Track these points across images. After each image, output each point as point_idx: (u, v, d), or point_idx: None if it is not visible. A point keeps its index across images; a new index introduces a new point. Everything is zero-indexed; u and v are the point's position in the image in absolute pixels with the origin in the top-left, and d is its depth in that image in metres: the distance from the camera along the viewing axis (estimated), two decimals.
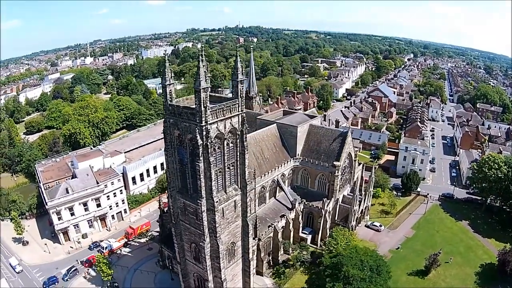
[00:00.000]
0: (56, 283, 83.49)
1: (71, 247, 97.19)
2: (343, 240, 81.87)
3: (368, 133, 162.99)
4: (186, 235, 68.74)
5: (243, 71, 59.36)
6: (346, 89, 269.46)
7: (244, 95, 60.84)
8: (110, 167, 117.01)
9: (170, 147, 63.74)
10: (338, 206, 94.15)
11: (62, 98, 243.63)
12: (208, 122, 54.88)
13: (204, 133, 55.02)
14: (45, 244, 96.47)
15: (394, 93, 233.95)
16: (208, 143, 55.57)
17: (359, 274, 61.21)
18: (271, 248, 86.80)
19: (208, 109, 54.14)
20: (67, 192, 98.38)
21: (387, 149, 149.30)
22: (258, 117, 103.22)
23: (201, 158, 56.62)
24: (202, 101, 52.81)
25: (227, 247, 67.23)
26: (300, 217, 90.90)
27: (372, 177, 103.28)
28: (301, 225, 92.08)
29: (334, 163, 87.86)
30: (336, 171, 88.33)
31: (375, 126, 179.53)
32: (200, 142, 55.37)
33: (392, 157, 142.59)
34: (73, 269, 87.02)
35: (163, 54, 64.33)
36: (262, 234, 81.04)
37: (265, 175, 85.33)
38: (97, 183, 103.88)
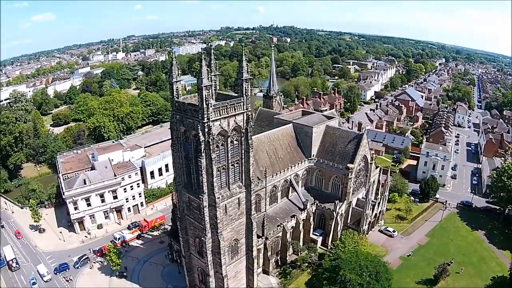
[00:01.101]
0: (67, 270, 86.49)
1: (85, 236, 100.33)
2: (351, 244, 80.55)
3: (391, 136, 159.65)
4: (191, 229, 69.54)
5: (248, 70, 59.22)
6: (375, 92, 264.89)
7: (246, 94, 60.34)
8: (129, 160, 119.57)
9: (177, 143, 64.85)
10: (351, 209, 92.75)
11: (90, 92, 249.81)
12: (211, 119, 55.25)
13: (206, 129, 55.48)
14: (60, 232, 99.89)
15: (422, 97, 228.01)
16: (210, 140, 55.99)
17: (356, 279, 59.91)
18: (279, 248, 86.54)
19: (211, 106, 54.52)
20: (85, 183, 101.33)
21: (409, 153, 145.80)
22: (276, 116, 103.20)
23: (203, 154, 57.17)
24: (204, 99, 53.27)
25: (229, 243, 67.46)
26: (312, 218, 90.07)
27: (387, 181, 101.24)
28: (312, 226, 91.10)
29: (348, 165, 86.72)
30: (350, 174, 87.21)
31: (400, 130, 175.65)
32: (202, 138, 55.93)
33: (414, 162, 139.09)
34: (84, 257, 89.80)
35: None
36: (270, 233, 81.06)
37: (276, 174, 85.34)
38: (115, 175, 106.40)
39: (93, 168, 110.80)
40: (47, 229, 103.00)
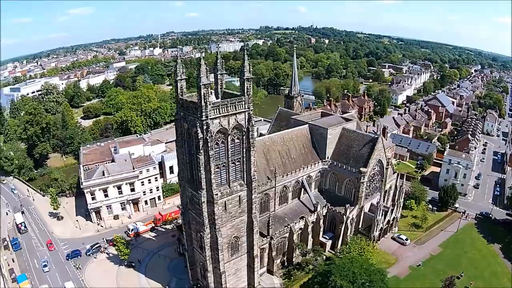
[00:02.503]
0: (79, 256, 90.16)
1: (101, 226, 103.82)
2: (356, 250, 79.18)
3: (417, 142, 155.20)
4: (193, 224, 70.85)
5: (250, 70, 59.48)
6: (407, 96, 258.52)
7: (248, 93, 60.55)
8: (149, 155, 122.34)
9: (180, 139, 66.34)
10: (363, 214, 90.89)
11: (124, 86, 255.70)
12: (209, 117, 56.01)
13: (205, 127, 56.31)
14: (77, 220, 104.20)
15: (453, 103, 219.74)
16: (208, 137, 56.72)
17: (348, 286, 58.42)
18: (286, 249, 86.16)
19: (209, 105, 55.28)
20: (103, 174, 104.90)
21: (433, 160, 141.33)
22: (292, 117, 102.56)
23: (201, 151, 58.05)
24: (202, 97, 54.13)
25: (229, 240, 68.04)
26: (322, 221, 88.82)
27: (403, 187, 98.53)
28: (322, 229, 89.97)
29: (361, 169, 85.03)
30: (362, 178, 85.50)
31: (427, 136, 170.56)
32: (200, 135, 56.81)
33: (438, 169, 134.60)
34: (96, 245, 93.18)
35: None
36: (275, 233, 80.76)
37: (287, 174, 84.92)
38: (133, 169, 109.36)
39: (113, 161, 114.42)
40: (65, 217, 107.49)
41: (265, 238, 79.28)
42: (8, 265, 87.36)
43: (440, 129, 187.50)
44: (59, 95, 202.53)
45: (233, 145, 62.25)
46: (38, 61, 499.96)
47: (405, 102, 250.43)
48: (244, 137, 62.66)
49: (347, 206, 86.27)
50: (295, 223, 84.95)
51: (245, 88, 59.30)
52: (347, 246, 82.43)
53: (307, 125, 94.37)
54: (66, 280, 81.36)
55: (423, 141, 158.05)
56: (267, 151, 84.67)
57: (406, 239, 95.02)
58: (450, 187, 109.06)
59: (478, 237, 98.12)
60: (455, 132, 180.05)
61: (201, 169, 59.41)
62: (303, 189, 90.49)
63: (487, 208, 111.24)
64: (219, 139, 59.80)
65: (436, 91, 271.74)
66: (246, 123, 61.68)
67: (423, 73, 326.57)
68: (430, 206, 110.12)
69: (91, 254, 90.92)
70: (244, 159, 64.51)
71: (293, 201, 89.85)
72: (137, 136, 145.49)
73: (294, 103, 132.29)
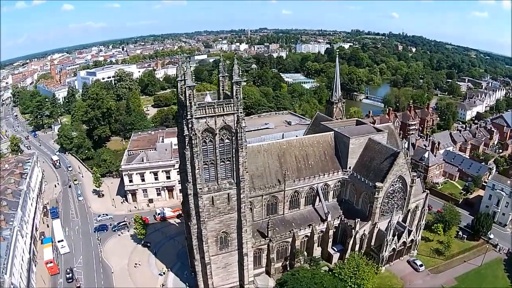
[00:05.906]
0: (105, 231, 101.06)
1: (134, 207, 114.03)
2: (351, 267, 77.89)
3: (469, 162, 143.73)
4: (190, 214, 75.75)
5: (239, 73, 62.60)
6: (477, 112, 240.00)
7: (237, 96, 63.47)
8: None
9: (180, 135, 71.64)
10: (376, 231, 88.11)
11: (200, 79, 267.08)
12: (194, 116, 60.56)
13: (190, 125, 61.02)
14: (113, 199, 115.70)
15: None
16: (192, 135, 61.29)
17: None
18: (288, 254, 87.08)
19: (194, 105, 59.78)
20: (143, 160, 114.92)
21: (482, 183, 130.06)
22: (322, 122, 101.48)
23: (187, 147, 62.93)
24: (188, 97, 58.87)
25: (217, 234, 71.90)
26: (332, 232, 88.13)
27: (425, 209, 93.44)
28: (330, 240, 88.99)
29: (376, 184, 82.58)
30: (377, 193, 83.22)
31: (484, 156, 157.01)
32: (186, 133, 61.72)
33: None
34: (122, 223, 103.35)
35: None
36: (276, 236, 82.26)
37: (300, 180, 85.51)
38: (171, 158, 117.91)
39: (155, 149, 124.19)
40: (106, 195, 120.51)
41: (264, 239, 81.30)
42: (43, 223, 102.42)
43: (501, 151, 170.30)
44: (132, 82, 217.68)
45: (222, 144, 65.90)
46: (124, 47, 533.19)
47: (473, 118, 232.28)
48: (233, 138, 66.00)
49: (357, 220, 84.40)
50: (300, 229, 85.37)
51: (234, 91, 62.55)
52: (342, 261, 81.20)
53: (333, 132, 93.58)
54: (87, 248, 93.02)
55: (476, 161, 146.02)
56: (282, 154, 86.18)
57: (421, 265, 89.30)
58: (484, 215, 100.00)
59: (502, 275, 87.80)
60: None
61: (187, 163, 64.30)
62: (318, 197, 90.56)
63: None
64: (206, 138, 64.05)
65: (508, 110, 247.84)
66: (235, 125, 64.89)
67: (499, 90, 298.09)
68: (460, 233, 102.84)
69: (116, 230, 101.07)
70: (234, 159, 67.82)
71: (306, 207, 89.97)
72: None
73: (334, 109, 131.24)
